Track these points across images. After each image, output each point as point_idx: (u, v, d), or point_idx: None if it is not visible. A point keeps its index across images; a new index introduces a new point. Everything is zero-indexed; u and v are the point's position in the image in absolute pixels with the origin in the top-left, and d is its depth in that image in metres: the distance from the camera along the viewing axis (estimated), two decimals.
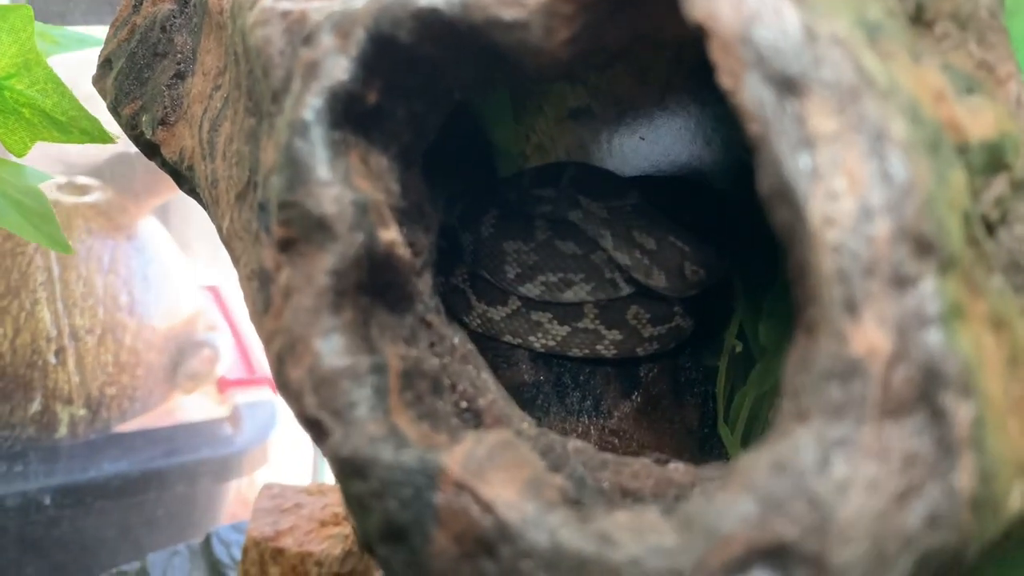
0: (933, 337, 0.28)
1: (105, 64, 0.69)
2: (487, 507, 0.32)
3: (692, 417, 0.63)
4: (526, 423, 0.45)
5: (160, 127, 0.64)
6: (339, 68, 0.37)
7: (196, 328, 1.49)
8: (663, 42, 0.41)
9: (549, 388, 0.60)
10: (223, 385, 1.53)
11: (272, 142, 0.40)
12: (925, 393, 0.28)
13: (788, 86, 0.30)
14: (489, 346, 0.59)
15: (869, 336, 0.28)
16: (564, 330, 0.58)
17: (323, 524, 1.08)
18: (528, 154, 0.82)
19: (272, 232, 0.39)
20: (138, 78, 0.66)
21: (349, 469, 0.35)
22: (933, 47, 0.38)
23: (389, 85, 0.39)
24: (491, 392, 0.44)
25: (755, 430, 0.62)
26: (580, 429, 0.59)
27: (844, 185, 0.29)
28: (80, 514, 1.27)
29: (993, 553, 0.42)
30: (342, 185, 0.37)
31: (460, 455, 0.34)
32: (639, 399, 0.61)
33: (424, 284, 0.44)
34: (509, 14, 0.35)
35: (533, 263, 0.57)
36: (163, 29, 0.64)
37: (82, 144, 0.66)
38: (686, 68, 0.66)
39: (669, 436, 0.62)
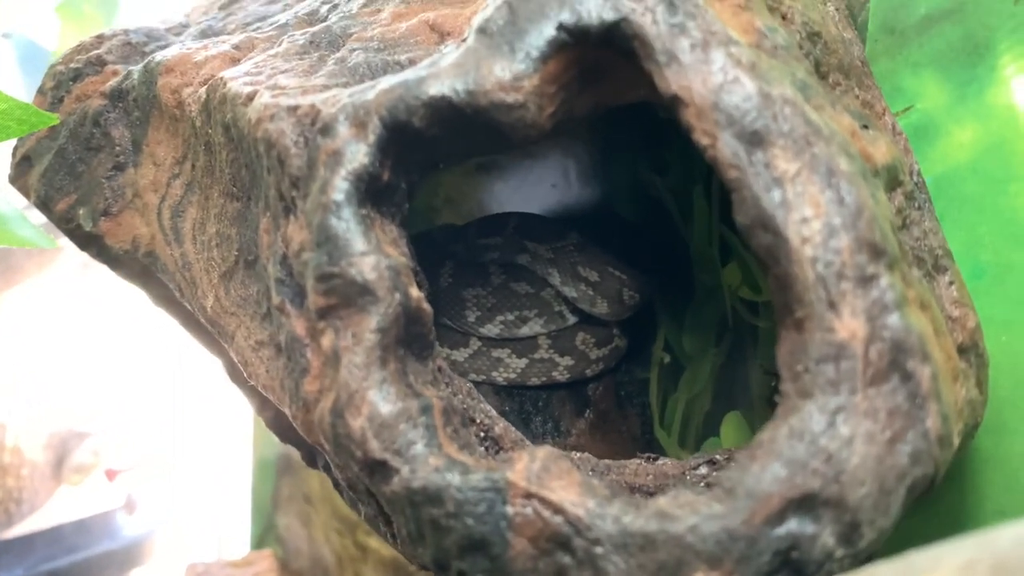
0: (894, 319, 0.37)
1: (24, 162, 0.70)
2: (557, 508, 0.39)
3: (635, 425, 0.71)
4: (527, 442, 0.51)
5: (103, 218, 0.66)
6: (360, 153, 0.43)
7: (78, 417, 1.44)
8: (619, 106, 0.49)
9: (515, 417, 0.66)
10: (111, 474, 1.49)
11: (298, 224, 0.45)
12: (895, 362, 0.37)
13: (755, 139, 0.39)
14: None
15: (849, 324, 0.37)
16: (523, 362, 0.64)
17: None
18: (438, 207, 0.88)
19: (309, 303, 0.44)
20: (71, 173, 0.68)
21: (422, 498, 0.40)
22: (831, 94, 0.48)
23: (397, 162, 0.45)
24: (500, 420, 0.50)
25: (690, 429, 0.71)
26: None
27: (811, 212, 0.38)
28: None
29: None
30: (376, 253, 0.43)
31: (521, 469, 0.40)
32: (591, 416, 0.68)
33: (434, 328, 0.49)
34: (511, 97, 0.42)
35: (492, 305, 0.63)
36: (96, 124, 0.66)
37: (23, 136, 0.60)
38: (587, 121, 0.74)
39: (619, 445, 0.69)
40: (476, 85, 0.42)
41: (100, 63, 0.70)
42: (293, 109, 0.46)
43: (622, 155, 0.74)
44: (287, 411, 0.49)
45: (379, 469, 0.42)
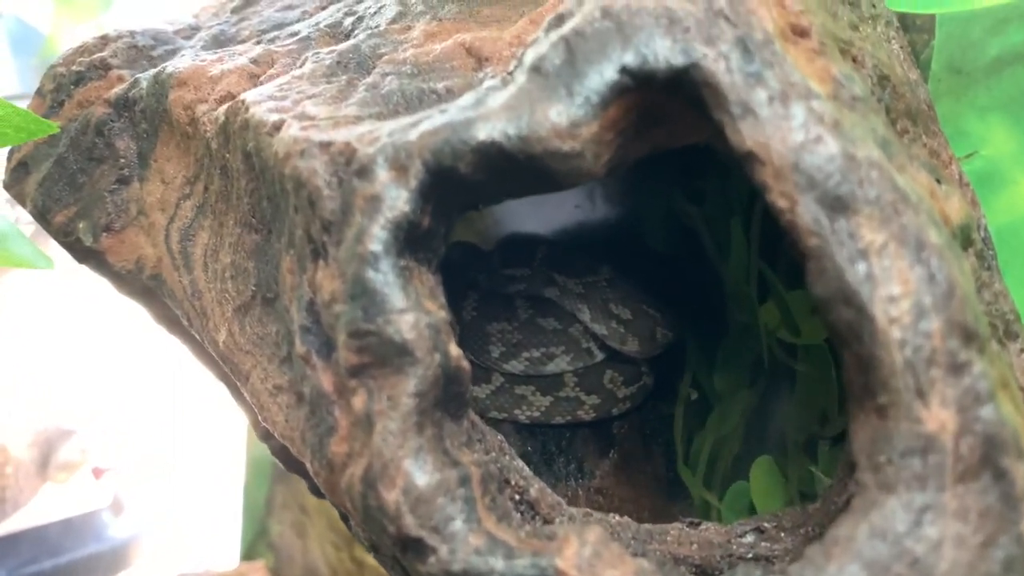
0: (988, 411, 0.34)
1: (20, 168, 0.67)
2: None
3: (659, 465, 0.68)
4: (564, 504, 0.48)
5: (105, 234, 0.62)
6: (401, 200, 0.39)
7: (64, 414, 1.40)
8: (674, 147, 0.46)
9: (537, 457, 0.63)
10: (98, 472, 1.44)
11: (329, 272, 0.41)
12: (988, 458, 0.34)
13: (839, 205, 0.35)
14: None
15: (938, 416, 0.34)
16: (547, 400, 0.61)
17: None
18: None
19: (340, 358, 0.40)
20: (71, 183, 0.64)
21: None
22: (903, 145, 0.45)
23: (438, 207, 0.42)
24: (535, 480, 0.47)
25: (717, 470, 0.68)
26: (569, 493, 0.63)
27: (899, 290, 0.34)
28: None
29: None
30: (416, 311, 0.39)
31: (571, 556, 0.37)
32: (616, 456, 0.65)
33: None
34: (568, 146, 0.38)
35: (517, 341, 0.60)
36: (99, 133, 0.62)
37: (21, 144, 0.59)
38: None
39: (643, 486, 0.66)
40: (530, 131, 0.39)
41: (104, 67, 0.66)
42: (326, 146, 0.42)
43: (654, 180, 0.70)
44: (308, 465, 0.45)
45: (414, 546, 0.38)
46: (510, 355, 0.60)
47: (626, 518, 0.48)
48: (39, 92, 0.68)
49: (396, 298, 0.39)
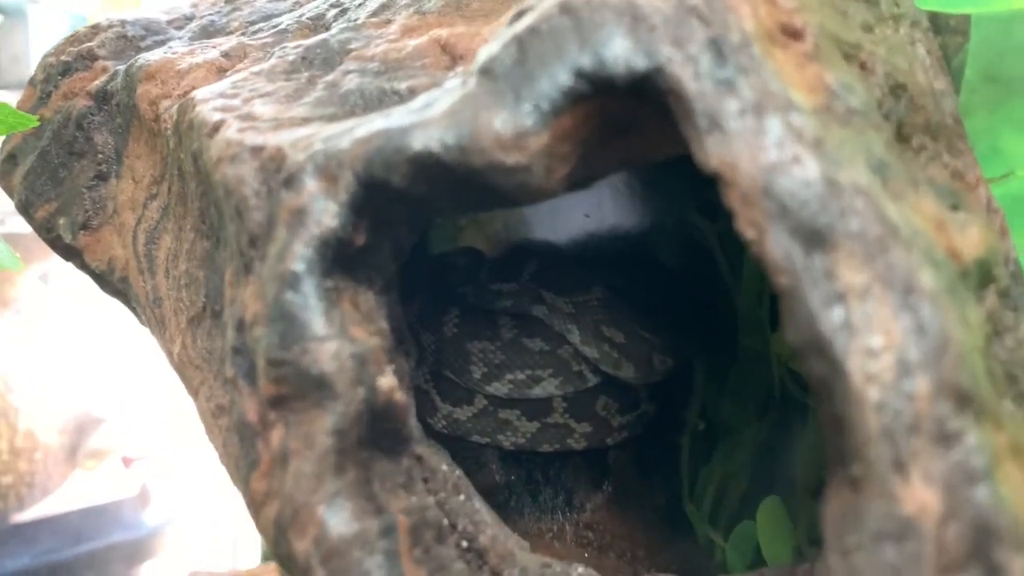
0: (981, 493, 0.28)
1: (9, 160, 0.64)
2: None
3: (659, 497, 0.63)
4: (522, 552, 0.43)
5: (82, 231, 0.60)
6: (328, 214, 0.35)
7: (94, 401, 1.40)
8: (652, 161, 0.41)
9: (521, 487, 0.59)
10: (128, 461, 1.45)
11: (253, 289, 0.37)
12: (978, 549, 0.28)
13: (815, 239, 0.30)
14: (456, 448, 0.57)
15: (919, 495, 0.28)
16: (533, 426, 0.57)
17: None
18: (463, 226, 0.80)
19: (259, 388, 0.37)
20: (52, 178, 0.61)
21: None
22: (914, 162, 0.39)
23: (376, 223, 0.37)
24: (488, 525, 0.42)
25: (723, 508, 0.62)
26: (556, 528, 0.58)
27: (881, 342, 0.29)
28: None
29: None
30: (339, 338, 0.35)
31: None
32: (610, 488, 0.60)
33: (413, 416, 0.42)
34: (512, 159, 0.34)
35: (500, 362, 0.55)
36: (79, 127, 0.60)
37: (12, 135, 0.57)
38: None
39: (639, 520, 0.61)
40: (470, 141, 0.34)
41: (91, 57, 0.63)
42: (257, 151, 0.38)
43: (667, 191, 0.65)
44: (243, 496, 0.42)
45: None
46: (493, 376, 0.56)
47: (590, 570, 0.43)
48: (31, 82, 0.66)
49: (316, 324, 0.35)
